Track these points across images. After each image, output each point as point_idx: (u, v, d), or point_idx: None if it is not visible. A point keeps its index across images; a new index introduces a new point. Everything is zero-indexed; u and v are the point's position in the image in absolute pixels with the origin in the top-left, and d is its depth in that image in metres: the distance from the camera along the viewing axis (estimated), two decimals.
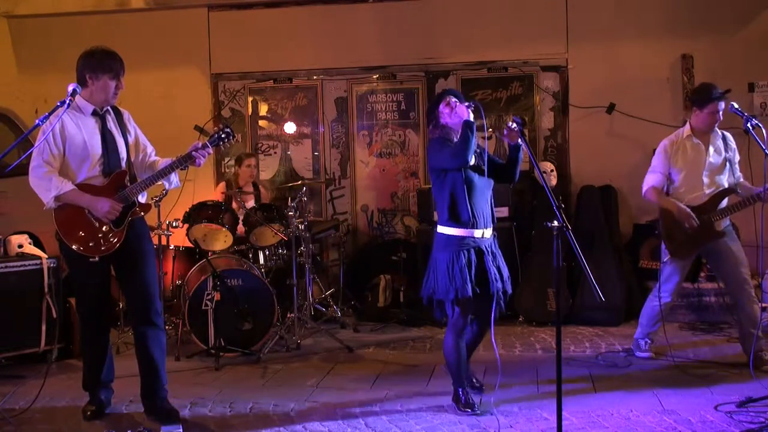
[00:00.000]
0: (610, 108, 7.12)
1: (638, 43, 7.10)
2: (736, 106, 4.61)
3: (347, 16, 7.50)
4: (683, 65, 7.02)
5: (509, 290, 4.19)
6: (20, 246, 5.45)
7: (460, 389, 4.17)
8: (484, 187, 4.11)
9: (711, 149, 4.94)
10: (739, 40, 6.98)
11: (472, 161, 4.07)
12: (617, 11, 7.16)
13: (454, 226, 4.04)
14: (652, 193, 5.03)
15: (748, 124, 4.47)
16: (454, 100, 4.17)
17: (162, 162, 4.21)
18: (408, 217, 7.57)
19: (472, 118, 4.03)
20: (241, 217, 6.06)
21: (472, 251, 4.03)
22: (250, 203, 6.64)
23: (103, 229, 3.99)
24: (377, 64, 7.56)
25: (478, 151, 4.11)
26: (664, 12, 7.10)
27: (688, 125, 5.01)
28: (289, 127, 7.72)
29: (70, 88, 3.81)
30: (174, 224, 5.86)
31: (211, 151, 4.09)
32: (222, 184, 6.88)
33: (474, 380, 4.49)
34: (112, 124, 4.10)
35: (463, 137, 3.99)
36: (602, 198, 6.86)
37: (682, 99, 6.99)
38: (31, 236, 5.78)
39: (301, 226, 6.03)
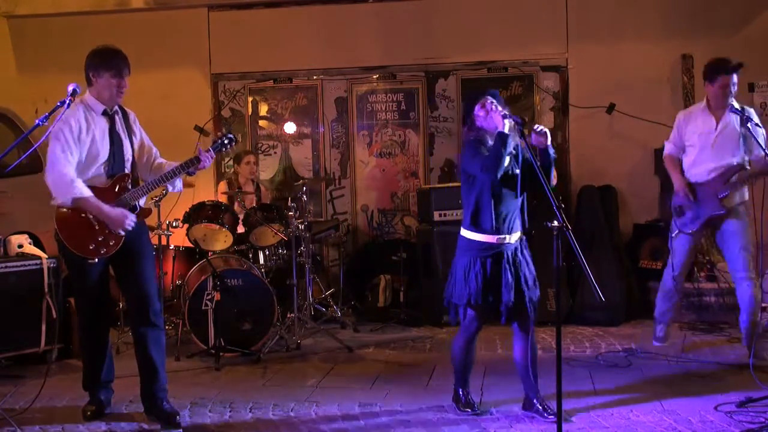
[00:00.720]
0: (610, 108, 7.12)
1: (638, 43, 7.09)
2: (737, 105, 4.61)
3: (347, 16, 7.50)
4: (683, 65, 7.02)
5: (534, 296, 3.96)
6: (20, 246, 5.45)
7: (461, 389, 4.17)
8: (513, 187, 3.90)
9: (721, 124, 4.91)
10: (739, 40, 6.96)
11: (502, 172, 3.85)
12: (617, 11, 7.16)
13: (475, 231, 3.94)
14: (667, 161, 5.18)
15: (748, 124, 4.47)
16: (490, 102, 3.95)
17: (167, 164, 4.23)
18: (408, 217, 7.56)
19: (507, 129, 3.78)
20: (241, 217, 6.07)
21: (490, 258, 3.90)
22: (251, 202, 6.64)
23: (104, 232, 3.99)
24: (377, 64, 7.55)
25: (514, 152, 3.91)
26: (663, 12, 7.10)
27: (704, 99, 5.03)
28: (289, 127, 7.71)
29: (70, 88, 3.81)
30: (174, 224, 5.86)
31: (214, 155, 4.18)
32: (223, 184, 6.87)
33: (536, 401, 4.05)
34: (120, 125, 4.11)
35: (495, 152, 3.77)
36: (602, 198, 6.85)
37: (682, 99, 6.98)
38: (31, 236, 5.78)
39: (301, 226, 6.03)
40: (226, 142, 4.26)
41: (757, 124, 4.69)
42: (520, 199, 3.98)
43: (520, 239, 4.00)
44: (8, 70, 7.77)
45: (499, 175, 3.80)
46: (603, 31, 7.17)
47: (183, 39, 7.62)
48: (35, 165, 6.69)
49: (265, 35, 7.56)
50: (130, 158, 4.13)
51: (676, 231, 5.11)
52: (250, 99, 7.77)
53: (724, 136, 4.91)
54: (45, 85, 7.32)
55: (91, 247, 3.98)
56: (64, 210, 3.98)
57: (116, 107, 4.10)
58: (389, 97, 7.63)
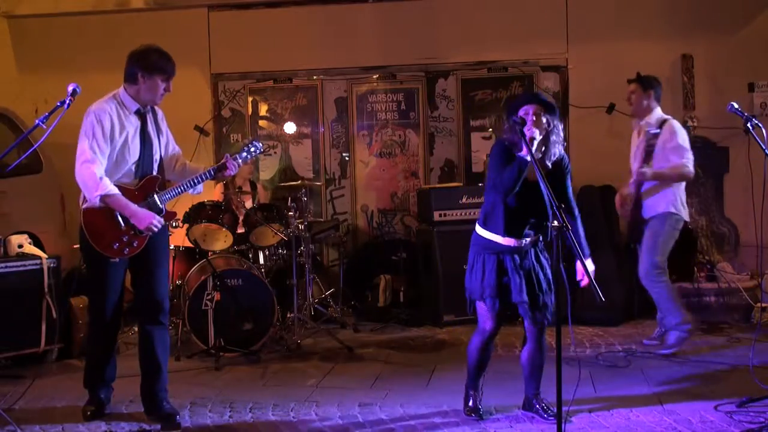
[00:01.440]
0: (610, 108, 7.12)
1: (638, 43, 7.09)
2: (736, 106, 4.61)
3: (347, 16, 7.50)
4: (683, 65, 7.02)
5: (548, 301, 3.88)
6: (20, 246, 5.45)
7: (471, 391, 4.12)
8: (535, 194, 3.73)
9: (641, 137, 5.24)
10: (739, 40, 6.97)
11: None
12: (617, 11, 7.16)
13: (486, 229, 3.91)
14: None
15: (748, 124, 4.47)
16: (533, 113, 3.71)
17: (189, 166, 4.28)
18: (408, 217, 7.57)
19: (529, 157, 3.61)
20: (241, 217, 6.07)
21: (493, 256, 3.86)
22: (249, 203, 6.64)
23: (129, 233, 3.99)
24: (377, 64, 7.56)
25: (539, 156, 3.77)
26: (664, 12, 7.10)
27: None
28: (289, 127, 7.72)
29: (70, 88, 3.80)
30: (174, 224, 5.86)
31: (240, 163, 4.23)
32: (220, 185, 6.87)
33: (536, 402, 4.06)
34: (151, 125, 4.11)
35: (510, 176, 3.68)
36: (602, 198, 6.84)
37: (682, 99, 6.99)
38: (31, 236, 5.78)
39: (301, 226, 6.03)
40: (252, 149, 4.31)
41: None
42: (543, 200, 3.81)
43: (535, 243, 3.92)
44: (8, 70, 7.77)
45: (505, 198, 3.77)
46: (603, 31, 7.18)
47: (183, 39, 7.59)
48: (35, 165, 6.70)
49: (265, 35, 7.56)
50: (159, 159, 4.13)
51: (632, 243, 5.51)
52: (250, 99, 7.77)
53: (640, 148, 5.23)
54: (45, 85, 7.32)
55: (115, 247, 3.97)
56: (93, 208, 3.95)
57: (150, 107, 4.10)
58: (389, 97, 7.63)
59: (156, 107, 4.20)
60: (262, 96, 7.77)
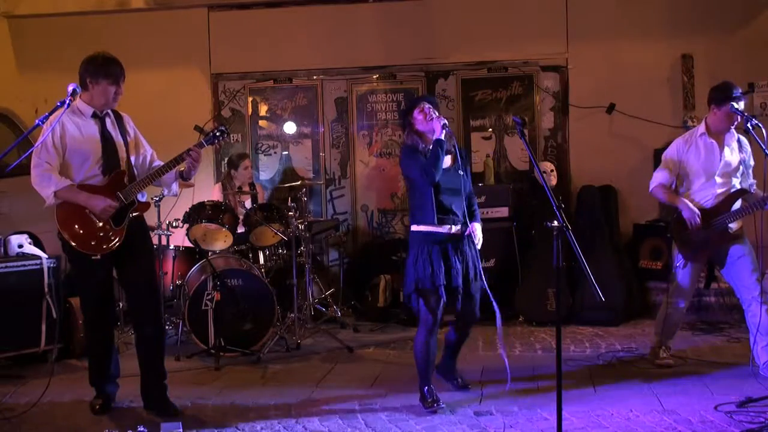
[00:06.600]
0: (610, 108, 7.12)
1: (638, 43, 7.10)
2: (736, 106, 4.61)
3: (347, 16, 7.50)
4: (683, 65, 7.02)
5: (478, 289, 4.30)
6: (20, 246, 5.45)
7: (426, 388, 4.22)
8: (455, 184, 4.19)
9: (726, 149, 4.77)
10: (739, 40, 6.97)
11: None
12: (617, 11, 7.16)
13: (420, 224, 4.18)
14: (660, 191, 4.90)
15: (748, 124, 4.47)
16: (428, 107, 4.30)
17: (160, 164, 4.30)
18: (408, 217, 7.56)
19: (443, 137, 4.15)
20: (241, 217, 6.07)
21: (436, 246, 4.12)
22: (248, 203, 6.64)
23: (105, 227, 4.05)
24: (377, 64, 7.56)
25: (453, 151, 4.25)
26: (664, 12, 7.10)
27: (703, 123, 4.83)
28: (289, 127, 7.72)
29: (70, 88, 3.85)
30: (174, 224, 5.87)
31: (203, 146, 4.23)
32: (218, 186, 6.86)
33: (459, 380, 4.59)
34: (111, 125, 4.19)
35: (434, 156, 4.12)
36: (602, 198, 6.85)
37: (682, 99, 6.99)
38: (31, 236, 5.78)
39: (301, 226, 6.03)
40: (218, 134, 4.30)
41: None
42: (465, 190, 4.27)
43: (464, 233, 4.21)
44: (8, 70, 7.77)
45: (436, 178, 4.08)
46: (603, 31, 7.18)
47: (183, 39, 7.62)
48: None
49: (265, 35, 7.56)
50: (125, 156, 4.20)
51: (681, 261, 4.86)
52: (250, 99, 7.77)
53: (728, 161, 4.76)
54: (45, 85, 7.33)
55: (93, 243, 4.04)
56: (64, 209, 4.03)
57: (107, 110, 4.17)
58: (389, 97, 7.63)
59: (121, 112, 4.28)
60: (262, 96, 7.77)
